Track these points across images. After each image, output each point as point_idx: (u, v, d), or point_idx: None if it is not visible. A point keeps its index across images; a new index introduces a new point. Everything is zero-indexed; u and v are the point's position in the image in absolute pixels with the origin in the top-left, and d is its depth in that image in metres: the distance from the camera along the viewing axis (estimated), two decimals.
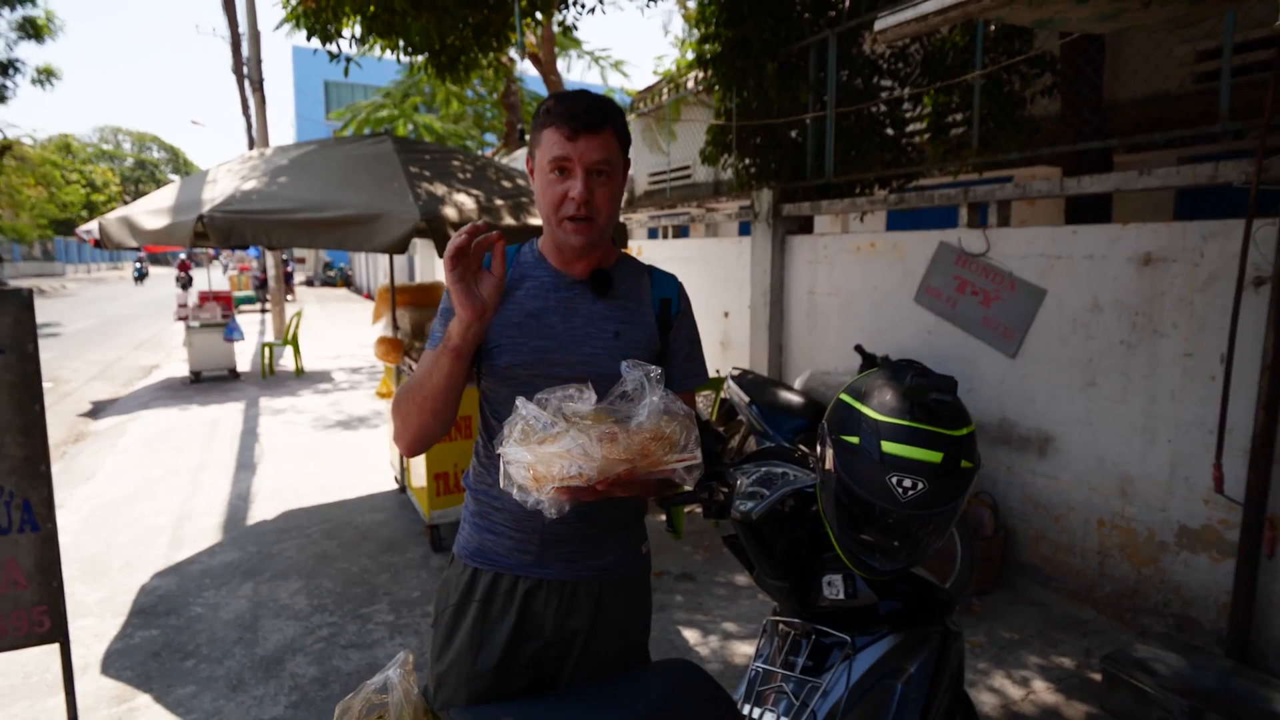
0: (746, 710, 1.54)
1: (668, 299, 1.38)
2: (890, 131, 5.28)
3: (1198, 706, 2.38)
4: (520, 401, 1.08)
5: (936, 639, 1.50)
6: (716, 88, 6.08)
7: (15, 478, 2.06)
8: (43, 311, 18.99)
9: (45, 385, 2.20)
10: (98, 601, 3.47)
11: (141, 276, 31.64)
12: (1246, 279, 2.73)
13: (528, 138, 1.36)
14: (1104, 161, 4.45)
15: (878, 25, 3.08)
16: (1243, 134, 3.18)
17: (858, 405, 1.37)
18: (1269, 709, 2.36)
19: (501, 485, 1.07)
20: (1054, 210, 5.92)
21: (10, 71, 19.02)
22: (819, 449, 1.46)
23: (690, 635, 3.20)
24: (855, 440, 1.34)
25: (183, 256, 22.53)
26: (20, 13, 18.36)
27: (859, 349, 3.60)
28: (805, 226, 5.40)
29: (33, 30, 18.70)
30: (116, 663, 2.96)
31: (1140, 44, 4.56)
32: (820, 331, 5.02)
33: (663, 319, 1.37)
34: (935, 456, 1.27)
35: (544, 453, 1.02)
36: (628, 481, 1.05)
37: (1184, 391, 3.04)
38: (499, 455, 1.07)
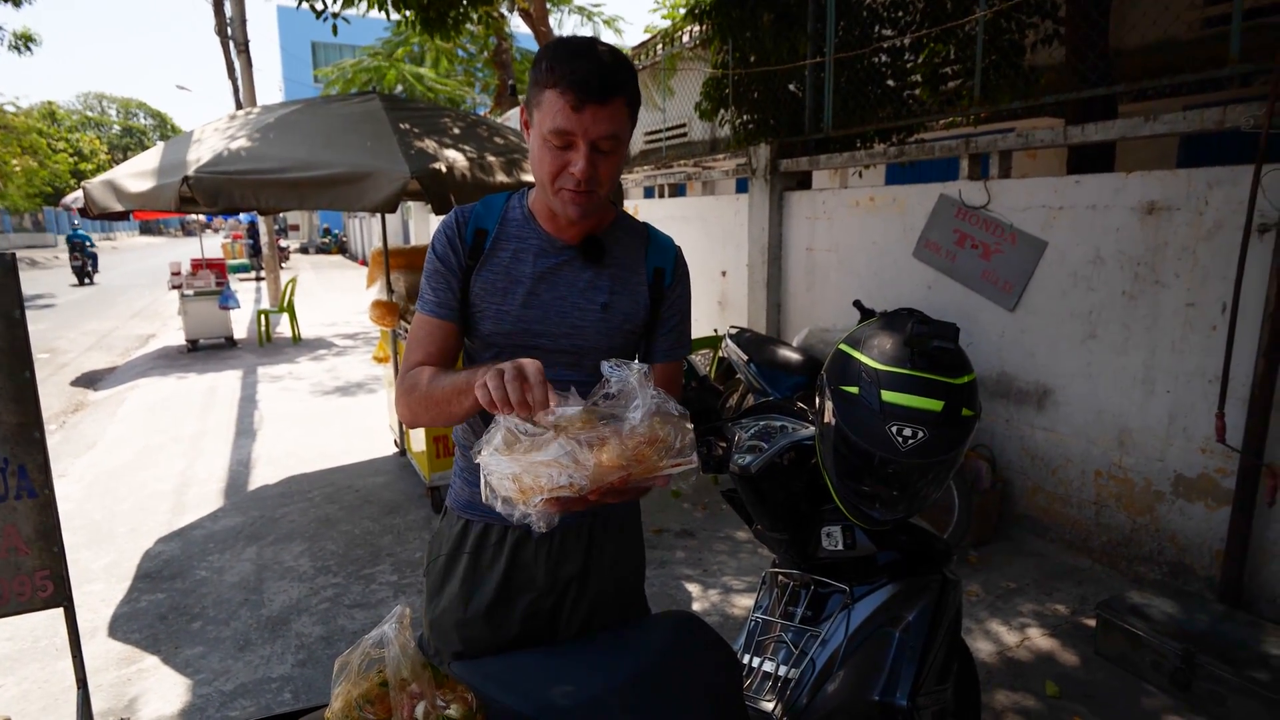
0: (746, 660, 1.56)
1: (661, 268, 1.32)
2: (891, 83, 5.16)
3: (1190, 649, 2.42)
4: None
5: (935, 588, 1.50)
6: (713, 41, 5.92)
7: (10, 444, 2.05)
8: (35, 283, 18.86)
9: (42, 356, 2.18)
10: (103, 567, 3.50)
11: None
12: (1253, 226, 2.69)
13: (521, 96, 1.26)
14: (1109, 111, 4.35)
15: None
16: (1251, 80, 3.10)
17: (857, 354, 1.35)
18: (1261, 651, 2.40)
19: (484, 499, 0.97)
20: (1056, 163, 5.82)
21: None
22: (818, 401, 1.45)
23: (691, 589, 3.24)
24: (854, 390, 1.32)
25: None
26: None
27: (858, 304, 3.55)
28: (803, 182, 5.31)
29: None
30: (124, 626, 2.99)
31: None
32: (819, 288, 4.98)
33: (655, 289, 1.31)
34: (936, 405, 1.25)
35: (530, 462, 0.93)
36: (621, 489, 0.96)
37: (1185, 342, 3.02)
38: (478, 454, 0.97)
